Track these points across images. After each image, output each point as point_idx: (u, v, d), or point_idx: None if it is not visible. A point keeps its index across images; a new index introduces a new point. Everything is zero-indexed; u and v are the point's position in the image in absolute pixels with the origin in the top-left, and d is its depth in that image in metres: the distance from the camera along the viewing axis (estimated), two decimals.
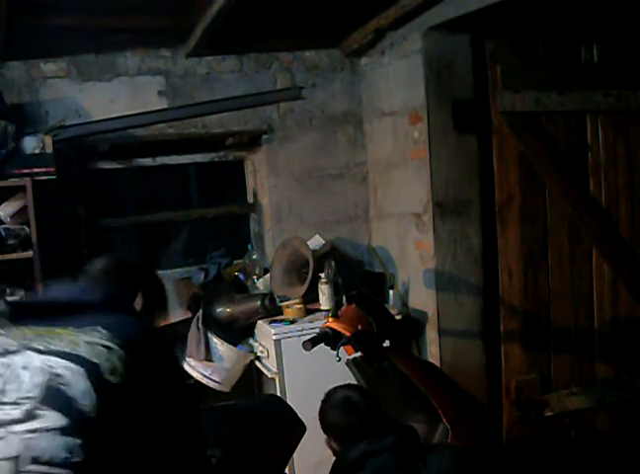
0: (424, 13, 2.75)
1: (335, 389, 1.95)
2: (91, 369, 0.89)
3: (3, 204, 2.75)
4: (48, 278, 2.76)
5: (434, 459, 1.58)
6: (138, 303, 1.35)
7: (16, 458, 0.82)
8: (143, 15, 2.85)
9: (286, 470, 2.08)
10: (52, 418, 0.86)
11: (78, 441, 0.84)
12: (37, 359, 0.91)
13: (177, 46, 3.20)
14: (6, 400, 0.88)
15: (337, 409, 1.85)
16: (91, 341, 0.93)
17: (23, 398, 0.87)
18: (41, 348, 0.93)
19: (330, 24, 3.19)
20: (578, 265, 2.94)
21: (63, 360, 0.90)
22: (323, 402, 1.92)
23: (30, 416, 0.85)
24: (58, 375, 0.89)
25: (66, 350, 0.92)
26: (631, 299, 3.02)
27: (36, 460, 0.81)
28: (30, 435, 0.84)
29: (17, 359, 0.92)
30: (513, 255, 2.85)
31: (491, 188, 2.84)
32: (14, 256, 2.71)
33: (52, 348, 0.92)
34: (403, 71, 3.03)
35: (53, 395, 0.87)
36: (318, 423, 1.95)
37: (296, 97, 3.40)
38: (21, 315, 1.00)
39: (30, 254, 2.69)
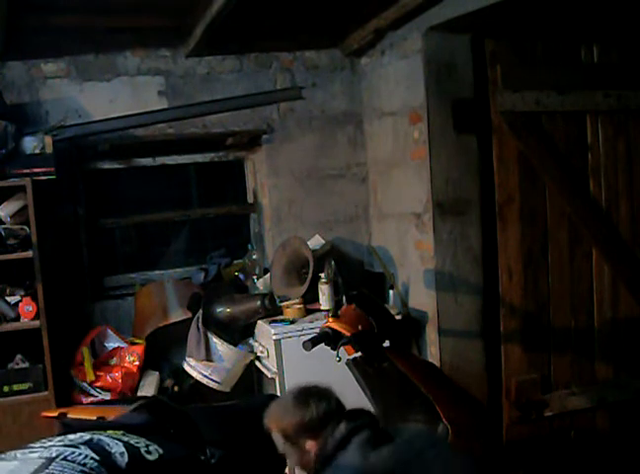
0: (424, 13, 2.76)
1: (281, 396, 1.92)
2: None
3: (3, 204, 2.75)
4: (48, 278, 2.77)
5: (405, 432, 1.67)
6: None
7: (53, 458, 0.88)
8: (143, 15, 2.86)
9: (286, 470, 2.08)
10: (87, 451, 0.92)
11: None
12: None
13: (177, 46, 3.20)
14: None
15: (313, 398, 1.70)
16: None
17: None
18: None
19: (330, 24, 3.19)
20: (578, 265, 2.94)
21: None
22: (284, 407, 1.73)
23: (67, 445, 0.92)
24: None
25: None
26: (631, 299, 3.01)
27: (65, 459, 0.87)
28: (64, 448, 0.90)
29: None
30: (513, 255, 2.85)
31: (491, 188, 2.84)
32: (14, 256, 2.71)
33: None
34: (403, 71, 3.03)
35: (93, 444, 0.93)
36: None
37: (296, 97, 3.41)
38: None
39: (30, 254, 2.69)
